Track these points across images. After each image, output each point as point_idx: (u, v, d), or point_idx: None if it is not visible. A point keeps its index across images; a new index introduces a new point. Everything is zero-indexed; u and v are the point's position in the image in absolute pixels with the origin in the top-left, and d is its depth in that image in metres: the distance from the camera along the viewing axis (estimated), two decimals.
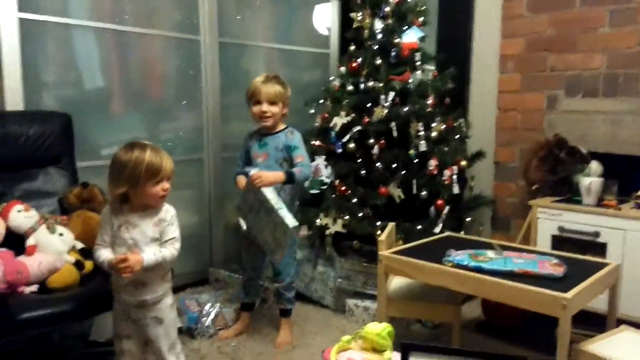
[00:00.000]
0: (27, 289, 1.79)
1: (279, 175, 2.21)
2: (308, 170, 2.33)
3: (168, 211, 1.72)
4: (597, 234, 2.38)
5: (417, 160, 2.67)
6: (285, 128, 2.37)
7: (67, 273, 1.88)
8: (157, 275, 1.70)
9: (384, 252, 1.97)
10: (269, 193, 2.13)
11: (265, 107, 2.28)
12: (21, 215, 1.94)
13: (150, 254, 1.64)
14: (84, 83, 2.55)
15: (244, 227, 2.37)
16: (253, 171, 2.15)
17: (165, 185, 1.66)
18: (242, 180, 2.29)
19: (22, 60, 2.27)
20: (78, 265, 1.92)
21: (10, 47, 2.23)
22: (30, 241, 1.91)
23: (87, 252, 1.98)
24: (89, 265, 1.96)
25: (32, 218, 1.96)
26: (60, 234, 1.97)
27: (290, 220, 2.09)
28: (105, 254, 1.65)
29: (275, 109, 2.30)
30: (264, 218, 2.16)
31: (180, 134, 2.96)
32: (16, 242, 1.89)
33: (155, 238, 1.69)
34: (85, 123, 2.51)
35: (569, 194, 2.64)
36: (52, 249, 1.91)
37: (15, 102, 2.25)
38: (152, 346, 1.76)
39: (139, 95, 2.78)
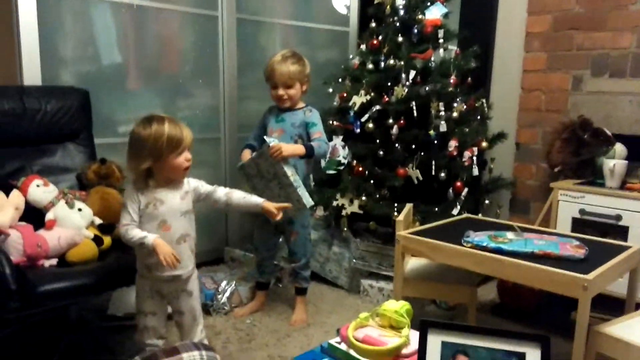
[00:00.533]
0: (47, 263, 1.81)
1: (299, 147, 2.19)
2: (326, 146, 2.30)
3: (189, 182, 1.73)
4: (619, 217, 2.34)
5: (436, 141, 2.62)
6: (304, 106, 2.35)
7: (86, 248, 1.89)
8: (189, 248, 1.72)
9: (401, 232, 1.95)
10: (289, 169, 2.10)
11: (281, 91, 2.26)
12: (40, 190, 1.96)
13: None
14: (101, 59, 2.55)
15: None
16: (272, 141, 2.10)
17: (188, 155, 1.65)
18: (246, 154, 2.29)
19: (40, 35, 2.26)
20: (97, 240, 1.93)
21: (28, 22, 2.22)
22: (49, 216, 1.92)
23: (105, 228, 2.00)
24: (107, 240, 1.97)
25: (51, 193, 1.99)
26: (79, 209, 1.98)
27: (308, 201, 2.09)
28: (142, 234, 1.62)
29: (292, 91, 2.27)
30: (274, 189, 2.13)
31: (196, 112, 2.95)
32: (35, 216, 1.91)
33: (184, 211, 1.69)
34: (102, 99, 2.52)
35: (592, 177, 2.60)
36: (71, 223, 1.93)
37: (32, 77, 2.25)
38: (178, 319, 1.79)
39: (156, 72, 2.77)
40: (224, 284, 2.52)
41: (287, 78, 2.24)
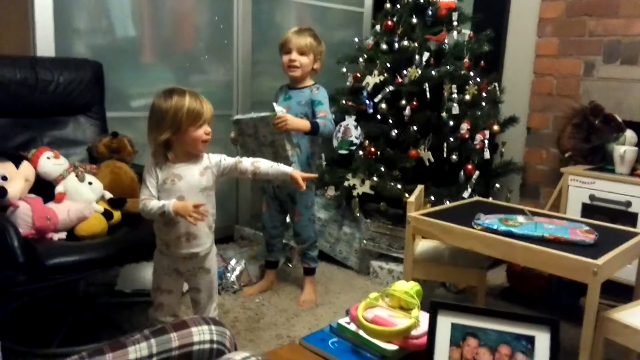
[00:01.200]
0: (56, 236, 1.80)
1: (304, 123, 2.15)
2: (331, 125, 2.27)
3: (209, 157, 1.70)
4: (628, 204, 2.35)
5: (449, 123, 2.61)
6: (313, 84, 2.32)
7: (96, 222, 1.89)
8: (207, 225, 1.71)
9: (413, 213, 1.94)
10: (288, 144, 2.08)
11: (294, 55, 2.24)
12: (50, 162, 1.96)
13: None
14: (116, 32, 2.52)
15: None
16: (280, 111, 2.06)
17: (208, 129, 1.63)
18: None
19: (54, 5, 2.24)
20: (106, 214, 1.93)
21: None
22: (59, 188, 1.92)
23: (115, 202, 2.00)
24: (117, 215, 1.97)
25: (61, 165, 1.98)
26: (90, 183, 1.98)
27: None
28: (160, 203, 1.59)
29: (304, 60, 2.24)
30: (267, 156, 2.07)
31: (210, 89, 2.92)
32: (45, 189, 1.91)
33: (203, 187, 1.67)
34: (115, 73, 2.50)
35: (602, 163, 2.60)
36: (81, 197, 1.93)
37: (46, 48, 2.23)
38: (195, 296, 1.79)
39: (170, 47, 2.75)
40: (233, 262, 2.52)
41: (302, 45, 2.23)
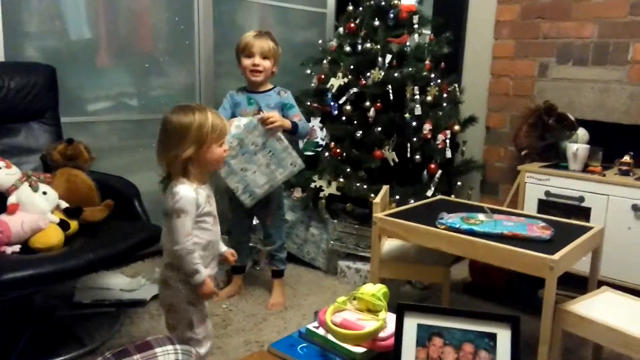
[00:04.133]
0: (9, 249, 1.74)
1: (286, 121, 2.18)
2: (307, 128, 2.31)
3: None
4: (581, 199, 2.43)
5: (412, 124, 2.65)
6: (274, 87, 2.32)
7: (51, 233, 1.82)
8: None
9: (378, 214, 1.96)
10: (280, 134, 2.13)
11: (257, 60, 2.22)
12: (2, 172, 1.88)
13: None
14: (69, 34, 2.43)
15: (248, 202, 2.23)
16: (258, 108, 2.11)
17: (226, 146, 1.58)
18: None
19: (2, 7, 2.15)
20: (63, 225, 1.86)
21: None
22: (11, 199, 1.85)
23: (71, 212, 1.93)
24: (74, 225, 1.91)
25: (13, 175, 1.90)
26: (44, 192, 1.91)
27: (300, 161, 2.18)
28: (201, 268, 1.50)
29: (267, 64, 2.24)
30: (261, 160, 2.12)
31: (171, 91, 2.86)
32: None
33: None
34: (70, 76, 2.41)
35: (556, 160, 2.68)
36: (35, 207, 1.85)
37: None
38: None
39: (128, 49, 2.67)
40: None
41: (266, 50, 2.22)
